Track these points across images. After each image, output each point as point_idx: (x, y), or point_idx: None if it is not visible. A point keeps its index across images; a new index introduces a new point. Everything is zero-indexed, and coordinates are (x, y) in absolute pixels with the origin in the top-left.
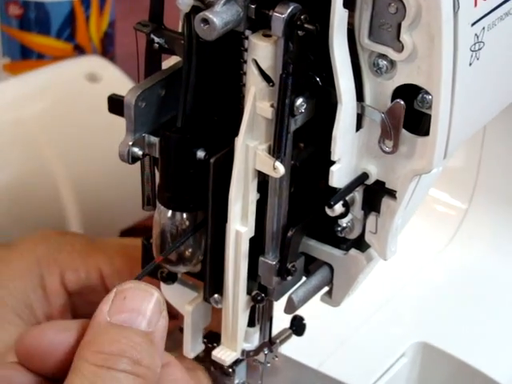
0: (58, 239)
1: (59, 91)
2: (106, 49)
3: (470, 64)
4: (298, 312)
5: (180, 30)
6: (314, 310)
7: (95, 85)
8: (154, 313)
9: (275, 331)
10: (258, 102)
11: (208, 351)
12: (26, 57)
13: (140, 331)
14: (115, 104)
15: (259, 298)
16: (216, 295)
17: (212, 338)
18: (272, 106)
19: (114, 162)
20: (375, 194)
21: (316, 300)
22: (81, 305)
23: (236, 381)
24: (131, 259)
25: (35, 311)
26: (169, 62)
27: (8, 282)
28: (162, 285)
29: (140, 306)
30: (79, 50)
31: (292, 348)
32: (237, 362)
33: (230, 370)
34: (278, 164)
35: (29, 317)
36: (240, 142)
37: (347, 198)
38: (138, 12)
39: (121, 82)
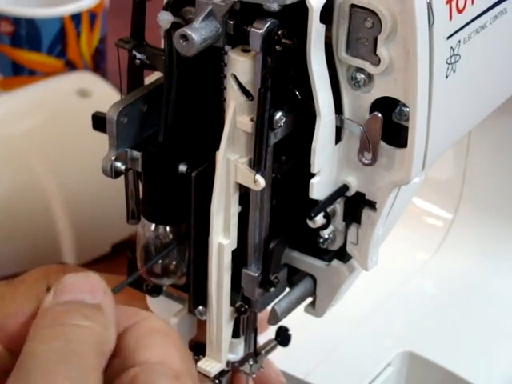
0: (57, 276)
1: (50, 107)
2: (98, 64)
3: (447, 77)
4: (286, 322)
5: (163, 45)
6: (300, 321)
7: (86, 100)
8: (97, 289)
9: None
10: (237, 116)
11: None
12: (18, 73)
13: (86, 303)
14: (99, 121)
15: (243, 309)
16: (200, 307)
17: (198, 349)
18: (252, 119)
19: (104, 176)
20: (356, 206)
21: (302, 311)
22: None
23: None
24: (130, 294)
25: None
26: (152, 77)
27: None
28: (148, 297)
29: (82, 287)
30: (70, 66)
31: (279, 359)
32: (222, 373)
33: (217, 381)
34: (259, 177)
35: None
36: (221, 155)
37: (328, 210)
38: None
39: (111, 98)
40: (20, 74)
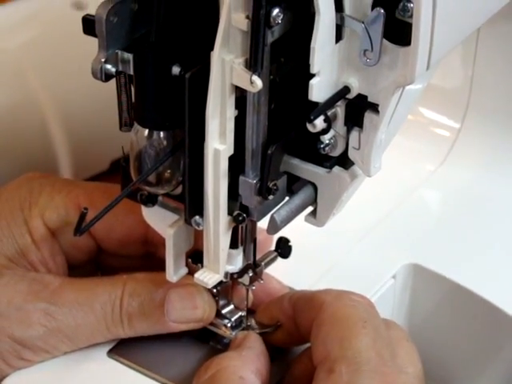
0: (40, 181)
1: (45, 20)
2: None
3: None
4: (288, 235)
5: None
6: (303, 233)
7: (82, 13)
8: None
9: None
10: (233, 13)
11: (193, 272)
12: None
13: None
14: (89, 24)
15: (241, 218)
16: (197, 217)
17: (197, 257)
18: (247, 17)
19: (102, 91)
20: (358, 109)
21: (305, 223)
22: (67, 248)
23: (221, 302)
24: (110, 194)
25: (27, 257)
26: None
27: None
28: (143, 208)
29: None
30: None
31: (281, 272)
32: (221, 284)
33: (215, 290)
34: (255, 78)
35: (23, 262)
36: (216, 55)
37: (329, 114)
38: None
39: None
40: None
